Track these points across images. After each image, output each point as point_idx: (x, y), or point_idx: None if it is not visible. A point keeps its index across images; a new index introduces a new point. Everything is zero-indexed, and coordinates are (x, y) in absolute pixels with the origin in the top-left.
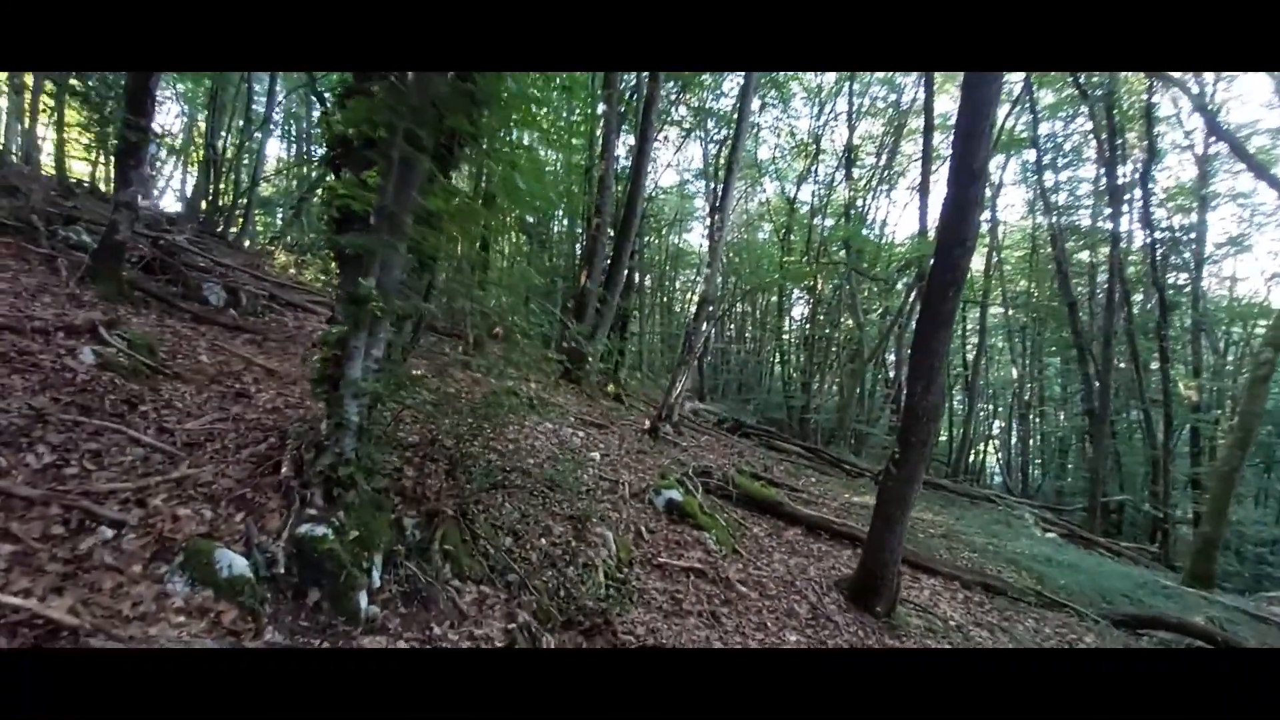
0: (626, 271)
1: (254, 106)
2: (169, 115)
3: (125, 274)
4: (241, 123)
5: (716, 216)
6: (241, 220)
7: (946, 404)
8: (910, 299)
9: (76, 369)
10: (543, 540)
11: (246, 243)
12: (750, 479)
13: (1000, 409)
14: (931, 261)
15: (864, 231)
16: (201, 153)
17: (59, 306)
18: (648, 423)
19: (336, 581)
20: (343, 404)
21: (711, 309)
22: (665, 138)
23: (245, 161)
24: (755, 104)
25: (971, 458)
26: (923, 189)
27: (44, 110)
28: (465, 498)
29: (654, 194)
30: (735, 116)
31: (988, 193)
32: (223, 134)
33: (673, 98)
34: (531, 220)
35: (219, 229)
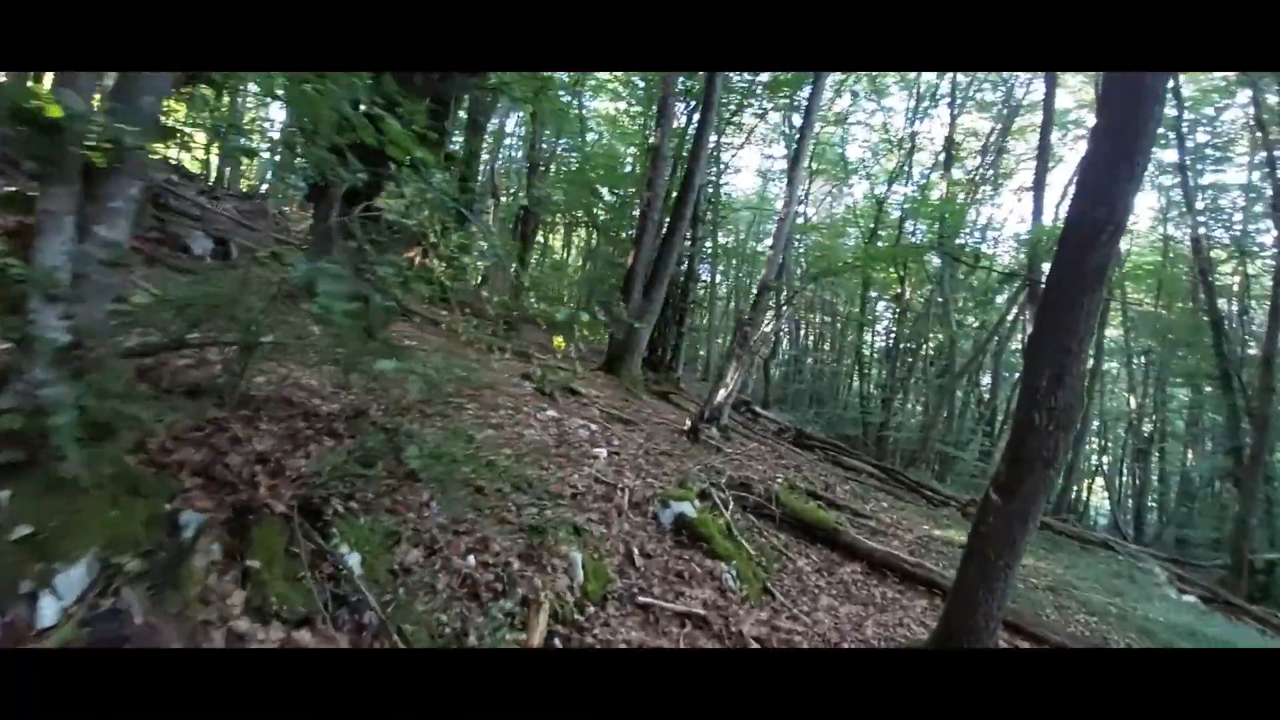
0: (688, 261)
1: None
2: None
3: None
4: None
5: (785, 190)
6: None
7: None
8: (1013, 313)
9: None
10: (469, 559)
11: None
12: (804, 497)
13: (1109, 443)
14: (1072, 199)
15: (961, 237)
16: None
17: None
18: (688, 423)
19: None
20: (27, 310)
21: (774, 297)
22: (738, 123)
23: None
24: (845, 99)
25: (1073, 494)
26: (1037, 186)
27: None
28: (323, 486)
29: (722, 180)
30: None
31: None
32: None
33: (750, 87)
34: (602, 215)
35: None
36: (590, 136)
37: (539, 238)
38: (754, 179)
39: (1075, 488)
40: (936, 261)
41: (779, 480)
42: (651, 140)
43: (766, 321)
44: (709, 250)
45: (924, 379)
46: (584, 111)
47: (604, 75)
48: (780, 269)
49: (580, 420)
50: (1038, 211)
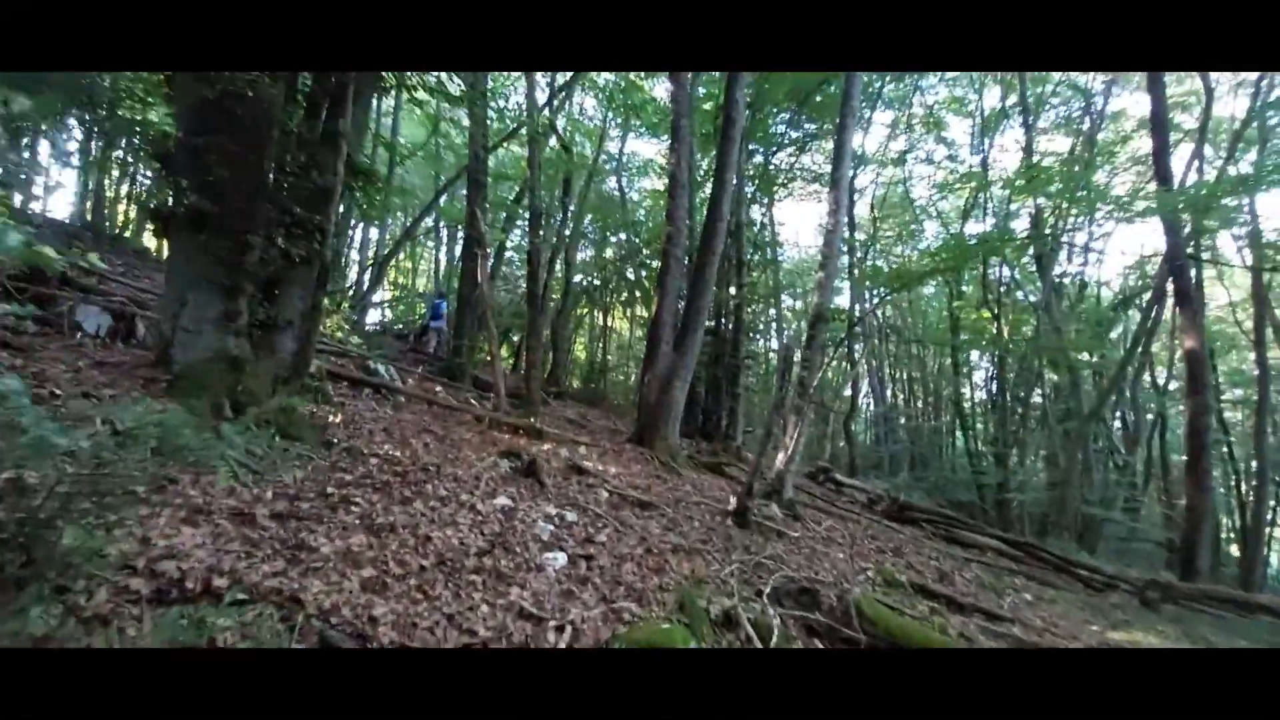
0: (735, 310)
1: None
2: None
3: None
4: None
5: (830, 196)
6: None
7: (1214, 484)
8: (1147, 328)
9: None
10: None
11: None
12: (909, 595)
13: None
14: None
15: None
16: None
17: None
18: (733, 501)
19: None
20: None
21: (830, 332)
22: (783, 175)
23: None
24: (901, 142)
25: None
26: (1159, 150)
27: None
28: None
29: (778, 230)
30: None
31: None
32: None
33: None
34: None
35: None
36: (640, 214)
37: (598, 319)
38: (814, 236)
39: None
40: (1033, 298)
41: (866, 575)
42: (668, 167)
43: (829, 362)
44: (773, 314)
45: (1041, 428)
46: (629, 192)
47: (647, 152)
48: (859, 316)
49: (552, 510)
50: (1164, 177)
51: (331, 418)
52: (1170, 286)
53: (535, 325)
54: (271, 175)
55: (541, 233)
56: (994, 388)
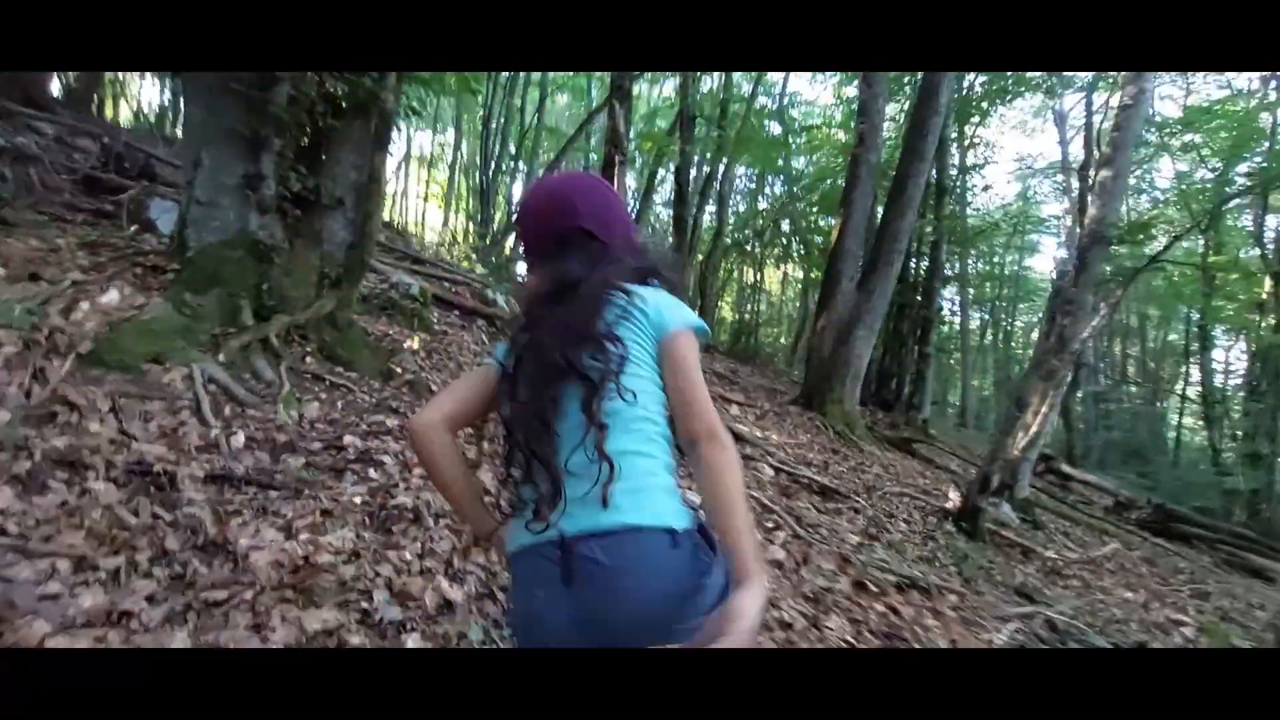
0: (930, 249)
1: None
2: None
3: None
4: None
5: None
6: None
7: None
8: None
9: None
10: None
11: None
12: None
13: None
14: None
15: None
16: None
17: None
18: (953, 497)
19: None
20: None
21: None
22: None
23: None
24: None
25: None
26: None
27: None
28: None
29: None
30: None
31: None
32: None
33: None
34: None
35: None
36: (799, 163)
37: (748, 275)
38: (1011, 184)
39: None
40: None
41: (1181, 633)
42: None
43: (1103, 312)
44: (956, 267)
45: None
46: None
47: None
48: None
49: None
50: None
51: (408, 343)
52: None
53: (680, 254)
54: None
55: (694, 150)
56: (1254, 369)
